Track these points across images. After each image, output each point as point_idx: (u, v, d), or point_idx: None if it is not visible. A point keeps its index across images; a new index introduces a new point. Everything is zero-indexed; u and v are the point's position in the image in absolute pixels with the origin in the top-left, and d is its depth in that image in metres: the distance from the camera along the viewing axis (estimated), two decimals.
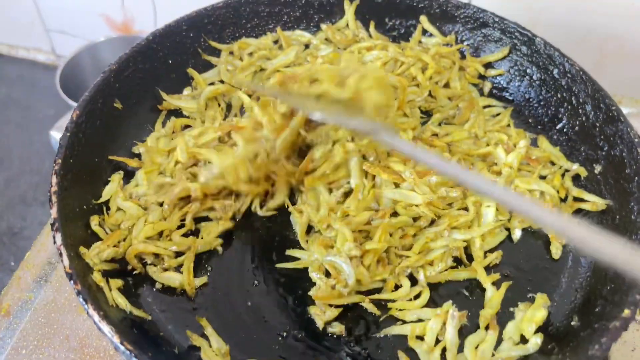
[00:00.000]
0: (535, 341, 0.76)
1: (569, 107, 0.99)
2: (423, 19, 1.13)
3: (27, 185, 1.71)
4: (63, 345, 0.88)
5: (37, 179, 1.73)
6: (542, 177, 0.94)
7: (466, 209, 0.89)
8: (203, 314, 0.80)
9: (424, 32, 1.14)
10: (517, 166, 0.94)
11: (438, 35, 1.13)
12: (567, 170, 0.96)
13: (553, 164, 0.97)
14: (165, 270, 0.84)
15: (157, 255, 0.84)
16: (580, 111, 0.97)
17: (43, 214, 1.64)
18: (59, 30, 1.88)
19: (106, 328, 0.66)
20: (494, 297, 0.81)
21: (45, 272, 0.96)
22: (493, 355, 0.76)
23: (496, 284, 0.82)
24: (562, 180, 0.94)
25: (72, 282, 0.70)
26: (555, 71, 1.01)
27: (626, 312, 0.68)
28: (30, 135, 1.86)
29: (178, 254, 0.85)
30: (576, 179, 0.94)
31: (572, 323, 0.78)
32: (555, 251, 0.87)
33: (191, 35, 1.06)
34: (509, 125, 1.02)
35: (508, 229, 0.89)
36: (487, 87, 1.08)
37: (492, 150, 0.96)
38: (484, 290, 0.82)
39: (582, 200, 0.91)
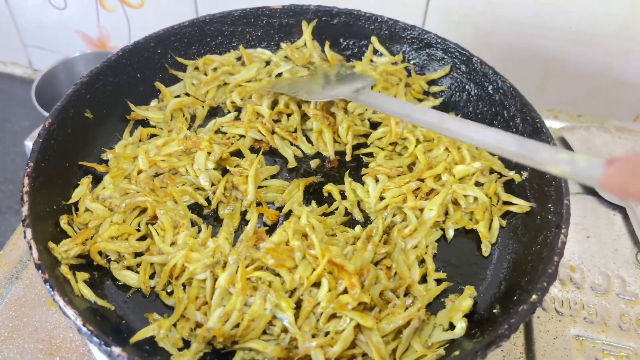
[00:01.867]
0: (461, 326, 0.84)
1: (502, 119, 1.09)
2: (374, 39, 1.23)
3: (1, 194, 1.76)
4: (32, 337, 0.94)
5: (12, 188, 1.79)
6: (480, 184, 1.02)
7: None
8: (162, 309, 0.87)
9: (375, 51, 1.24)
10: (459, 176, 1.02)
11: (387, 54, 1.23)
12: (500, 176, 1.05)
13: (492, 171, 1.06)
14: (127, 268, 0.91)
15: (120, 254, 0.92)
16: (511, 123, 1.07)
17: (17, 222, 1.69)
18: (37, 46, 1.95)
19: (70, 312, 0.74)
20: (432, 290, 0.90)
21: (16, 269, 1.03)
22: (426, 341, 0.85)
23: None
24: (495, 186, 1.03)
25: (40, 271, 0.77)
26: (490, 87, 1.11)
27: (534, 297, 0.77)
28: (5, 146, 1.91)
29: (138, 254, 0.92)
30: (507, 184, 1.04)
31: (494, 311, 0.86)
32: (485, 249, 0.96)
33: (159, 51, 1.15)
34: None
35: (442, 229, 0.99)
36: (430, 102, 1.18)
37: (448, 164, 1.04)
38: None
39: (510, 203, 1.01)
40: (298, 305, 0.84)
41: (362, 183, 1.04)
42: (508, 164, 1.05)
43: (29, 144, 1.35)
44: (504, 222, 0.99)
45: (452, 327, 0.86)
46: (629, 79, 1.48)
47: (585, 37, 1.41)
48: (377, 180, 1.03)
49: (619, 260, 1.09)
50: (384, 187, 1.01)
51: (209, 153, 1.02)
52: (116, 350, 0.70)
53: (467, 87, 1.16)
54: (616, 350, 0.96)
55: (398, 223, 0.97)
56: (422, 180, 1.01)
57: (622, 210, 1.18)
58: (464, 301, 0.87)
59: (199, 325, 0.83)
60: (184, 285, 0.88)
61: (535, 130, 1.01)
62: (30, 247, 0.79)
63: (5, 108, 2.02)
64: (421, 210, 0.98)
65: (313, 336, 0.81)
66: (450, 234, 0.98)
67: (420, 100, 1.19)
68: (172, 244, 0.92)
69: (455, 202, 1.00)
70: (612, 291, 1.04)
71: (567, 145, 1.30)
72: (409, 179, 1.01)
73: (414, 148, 1.06)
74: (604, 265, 1.08)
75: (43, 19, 1.83)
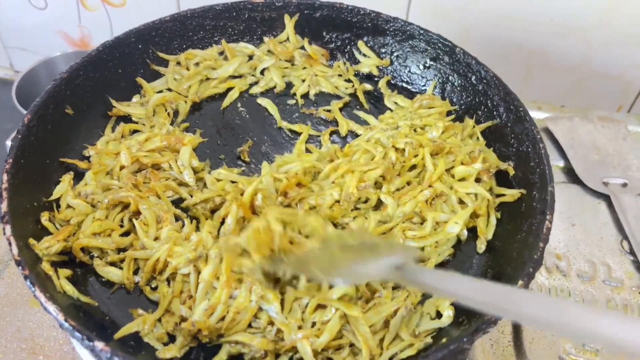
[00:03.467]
0: (448, 314, 0.84)
1: (485, 109, 1.09)
2: (361, 43, 1.24)
3: None
4: (15, 336, 0.93)
5: None
6: (477, 180, 1.01)
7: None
8: (146, 305, 0.86)
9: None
10: (459, 177, 1.01)
11: (374, 57, 1.23)
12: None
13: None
14: (111, 264, 0.90)
15: (102, 250, 0.91)
16: (495, 113, 1.07)
17: None
18: (18, 47, 1.92)
19: (51, 307, 0.72)
20: None
21: None
22: (413, 330, 0.85)
23: None
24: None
25: (20, 267, 0.76)
26: (473, 77, 1.11)
27: (520, 283, 0.77)
28: None
29: (121, 250, 0.91)
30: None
31: None
32: (480, 245, 0.95)
33: (140, 46, 1.14)
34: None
35: None
36: (418, 101, 1.16)
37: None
38: None
39: (502, 195, 1.00)
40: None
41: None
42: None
43: (9, 143, 1.33)
44: (499, 215, 0.98)
45: (439, 315, 0.86)
46: (610, 70, 1.49)
47: (566, 29, 1.42)
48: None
49: (604, 248, 1.10)
50: (400, 202, 0.97)
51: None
52: (99, 344, 0.69)
53: (450, 78, 1.16)
54: None
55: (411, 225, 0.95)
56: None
57: (606, 199, 1.18)
58: None
59: (184, 319, 0.82)
60: (168, 280, 0.87)
61: (518, 118, 1.01)
62: (10, 244, 0.78)
63: None
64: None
65: (299, 327, 0.80)
66: (464, 234, 0.96)
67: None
68: (156, 238, 0.91)
69: (461, 202, 0.98)
70: (598, 278, 1.05)
71: (551, 136, 1.31)
72: (421, 189, 0.97)
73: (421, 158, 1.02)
74: (589, 253, 1.09)
75: (23, 20, 1.80)
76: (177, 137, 1.03)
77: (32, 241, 0.84)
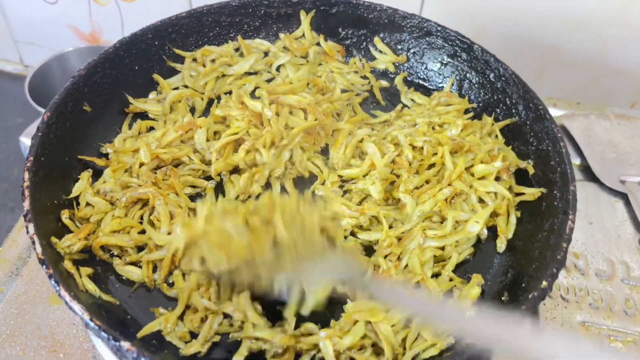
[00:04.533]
0: (470, 314, 0.84)
1: (504, 107, 1.09)
2: (377, 40, 1.23)
3: None
4: (34, 334, 0.93)
5: (6, 186, 1.76)
6: (497, 179, 1.00)
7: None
8: (167, 303, 0.86)
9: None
10: (479, 175, 1.00)
11: (390, 53, 1.23)
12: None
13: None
14: (131, 264, 0.90)
15: (122, 248, 0.91)
16: (514, 111, 1.07)
17: (12, 219, 1.67)
18: (28, 42, 1.92)
19: (77, 307, 0.72)
20: (444, 284, 0.88)
21: (16, 266, 1.01)
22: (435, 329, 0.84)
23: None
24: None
25: (44, 266, 0.76)
26: (492, 75, 1.11)
27: (544, 283, 0.77)
28: None
29: (140, 248, 0.91)
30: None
31: (503, 298, 0.86)
32: (500, 245, 0.95)
33: (156, 43, 1.13)
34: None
35: None
36: (436, 98, 1.16)
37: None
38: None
39: (522, 194, 1.00)
40: None
41: None
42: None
43: (24, 139, 1.33)
44: (519, 214, 0.98)
45: None
46: (625, 67, 1.48)
47: (581, 25, 1.41)
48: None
49: (622, 246, 1.09)
50: (419, 201, 0.97)
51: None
52: (125, 344, 0.69)
53: (468, 75, 1.15)
54: (622, 336, 0.96)
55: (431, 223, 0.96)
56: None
57: (623, 197, 1.18)
58: (472, 289, 0.87)
59: (208, 310, 0.82)
60: (183, 275, 0.87)
61: (538, 116, 1.01)
62: (33, 242, 0.78)
63: None
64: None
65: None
66: (484, 233, 0.96)
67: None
68: (169, 233, 0.91)
69: (481, 201, 0.98)
70: (616, 277, 1.04)
71: (566, 133, 1.30)
72: (440, 187, 0.97)
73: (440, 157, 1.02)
74: (607, 252, 1.08)
75: (34, 14, 1.80)
76: (190, 122, 1.03)
77: (54, 239, 0.84)
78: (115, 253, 0.91)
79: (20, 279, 0.99)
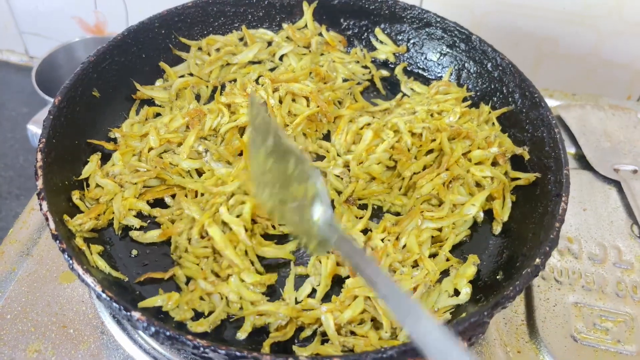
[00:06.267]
0: (466, 292, 0.87)
1: (501, 96, 1.12)
2: (378, 30, 1.26)
3: (1, 179, 1.77)
4: (45, 311, 0.96)
5: (12, 174, 1.79)
6: (493, 164, 1.04)
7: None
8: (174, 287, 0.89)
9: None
10: (475, 161, 1.03)
11: (390, 44, 1.26)
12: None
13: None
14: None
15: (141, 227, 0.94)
16: (510, 99, 1.10)
17: (18, 206, 1.70)
18: (33, 33, 1.95)
19: (89, 279, 0.75)
20: (441, 264, 0.92)
21: (27, 246, 1.04)
22: (432, 306, 0.88)
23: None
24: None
25: (57, 241, 0.79)
26: (489, 65, 1.14)
27: (537, 260, 0.80)
28: (3, 132, 1.91)
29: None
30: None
31: (498, 277, 0.90)
32: (496, 227, 0.98)
33: (163, 32, 1.16)
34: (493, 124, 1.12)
35: None
36: (435, 87, 1.19)
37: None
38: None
39: (517, 178, 1.03)
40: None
41: None
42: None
43: (31, 127, 1.35)
44: (514, 198, 1.01)
45: (457, 293, 0.89)
46: (620, 59, 1.51)
47: (577, 17, 1.44)
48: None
49: (615, 232, 1.13)
50: (418, 185, 1.00)
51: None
52: (136, 314, 0.72)
53: (466, 65, 1.18)
54: (613, 316, 1.00)
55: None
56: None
57: (617, 185, 1.21)
58: (468, 269, 0.90)
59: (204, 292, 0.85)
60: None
61: (534, 104, 1.04)
62: (47, 219, 0.81)
63: (2, 95, 2.02)
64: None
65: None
66: (481, 216, 0.99)
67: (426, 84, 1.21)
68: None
69: (477, 185, 1.01)
70: (608, 261, 1.08)
71: (562, 123, 1.33)
72: (439, 172, 1.00)
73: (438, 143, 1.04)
74: (600, 237, 1.12)
75: (39, 6, 1.82)
76: (197, 109, 1.06)
77: (66, 217, 0.87)
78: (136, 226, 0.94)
79: (31, 259, 1.03)
